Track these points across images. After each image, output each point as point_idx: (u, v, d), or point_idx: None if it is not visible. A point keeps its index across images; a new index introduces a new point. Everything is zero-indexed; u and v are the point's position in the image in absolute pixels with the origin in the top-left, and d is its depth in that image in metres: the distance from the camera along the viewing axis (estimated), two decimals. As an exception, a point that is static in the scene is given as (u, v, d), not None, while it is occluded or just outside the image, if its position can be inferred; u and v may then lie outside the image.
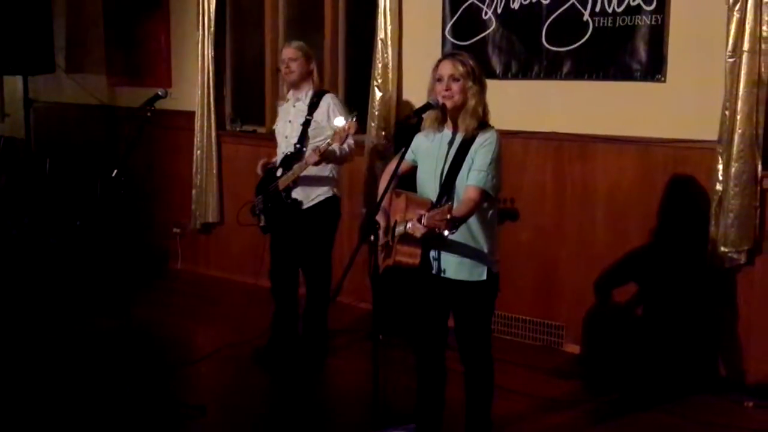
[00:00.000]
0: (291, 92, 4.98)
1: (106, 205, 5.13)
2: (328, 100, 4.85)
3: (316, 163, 4.63)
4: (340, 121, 4.63)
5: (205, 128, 6.78)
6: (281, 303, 5.11)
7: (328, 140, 4.60)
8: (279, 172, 4.87)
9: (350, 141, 4.68)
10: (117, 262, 6.46)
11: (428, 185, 3.49)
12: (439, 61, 3.49)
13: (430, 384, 3.74)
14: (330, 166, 4.83)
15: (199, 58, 6.67)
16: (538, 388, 4.70)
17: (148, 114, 4.38)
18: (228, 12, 6.85)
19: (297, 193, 4.84)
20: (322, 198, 4.88)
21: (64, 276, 6.76)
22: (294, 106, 4.92)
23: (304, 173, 4.73)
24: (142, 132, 4.36)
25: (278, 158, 4.97)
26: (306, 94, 4.90)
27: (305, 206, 4.85)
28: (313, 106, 4.84)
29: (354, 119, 4.50)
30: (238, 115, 7.02)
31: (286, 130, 4.92)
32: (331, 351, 5.23)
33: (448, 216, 3.03)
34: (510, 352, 5.08)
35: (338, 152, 4.67)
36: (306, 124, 4.81)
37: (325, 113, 4.82)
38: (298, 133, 4.82)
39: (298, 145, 4.80)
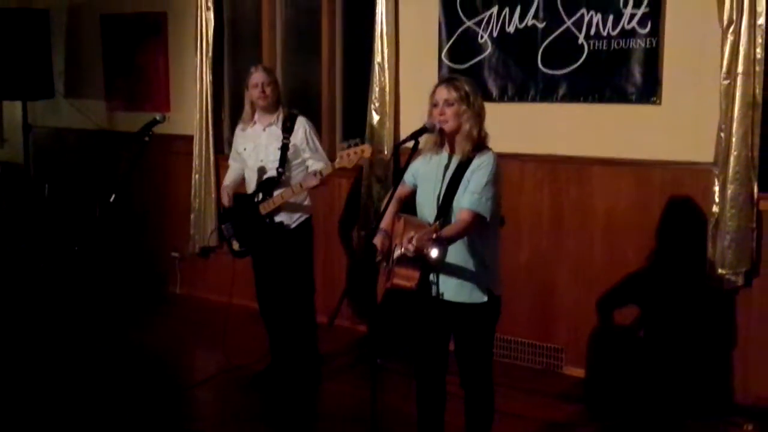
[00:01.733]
0: (257, 116, 4.96)
1: (105, 230, 5.13)
2: (303, 124, 4.88)
3: (315, 187, 4.65)
4: (307, 146, 4.77)
5: (204, 152, 6.79)
6: (272, 328, 5.10)
7: (321, 166, 4.63)
8: (259, 197, 4.85)
9: (327, 162, 4.70)
10: (115, 287, 6.47)
11: (427, 208, 3.50)
12: (436, 86, 3.51)
13: (430, 409, 3.72)
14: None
15: (198, 82, 6.70)
16: (538, 411, 4.69)
17: (147, 139, 4.39)
18: (226, 37, 6.88)
19: (282, 217, 4.85)
20: (303, 218, 4.93)
21: (63, 301, 6.75)
22: (265, 131, 4.91)
23: (293, 199, 4.78)
24: (141, 157, 4.36)
25: (247, 182, 4.98)
26: (278, 117, 4.90)
27: (292, 226, 4.89)
28: (288, 130, 4.84)
29: (367, 142, 4.45)
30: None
31: (259, 155, 4.90)
32: (329, 375, 5.23)
33: (434, 235, 3.03)
34: (508, 376, 5.07)
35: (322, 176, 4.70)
36: (284, 149, 4.81)
37: (302, 137, 4.84)
38: (278, 158, 4.81)
39: (280, 170, 4.80)
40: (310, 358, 5.15)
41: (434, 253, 3.07)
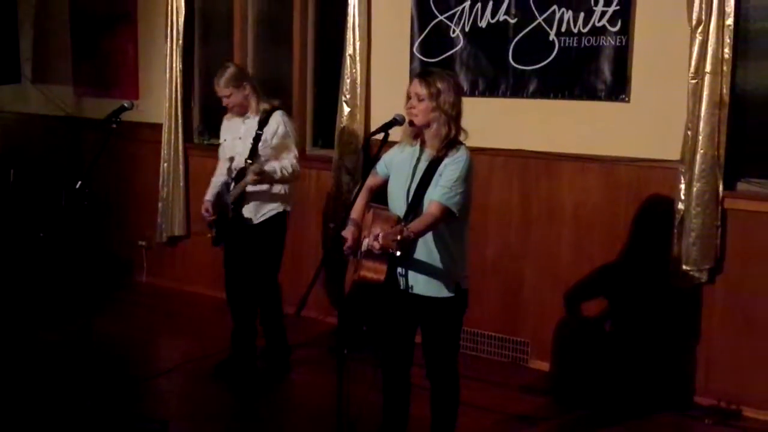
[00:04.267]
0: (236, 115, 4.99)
1: (70, 217, 5.06)
2: (278, 118, 4.86)
3: (254, 183, 4.67)
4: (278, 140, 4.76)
5: (172, 141, 6.74)
6: (237, 317, 5.10)
7: (265, 159, 4.65)
8: (232, 186, 4.87)
9: (293, 162, 4.75)
10: (81, 274, 6.39)
11: (397, 200, 3.51)
12: (413, 78, 3.52)
13: (395, 400, 3.75)
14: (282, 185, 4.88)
15: (167, 70, 6.64)
16: (504, 404, 4.73)
17: (114, 126, 4.35)
18: (197, 24, 6.84)
19: (248, 210, 4.86)
20: (272, 213, 4.92)
21: (28, 288, 6.68)
22: (244, 123, 4.92)
23: (255, 189, 4.78)
24: (107, 144, 4.33)
25: (223, 176, 4.99)
26: (257, 110, 4.89)
27: (255, 222, 4.88)
28: (262, 123, 4.84)
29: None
30: (206, 127, 7.00)
31: (236, 147, 4.91)
32: (296, 366, 5.23)
33: (399, 237, 3.05)
34: (475, 368, 5.11)
35: (278, 173, 4.70)
36: (256, 140, 4.81)
37: (274, 130, 4.83)
38: (249, 149, 4.82)
39: (248, 161, 4.79)
40: (279, 348, 5.14)
41: (398, 253, 3.10)
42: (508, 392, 4.94)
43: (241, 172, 4.80)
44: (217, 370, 5.11)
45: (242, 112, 4.90)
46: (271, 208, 4.91)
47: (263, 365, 5.14)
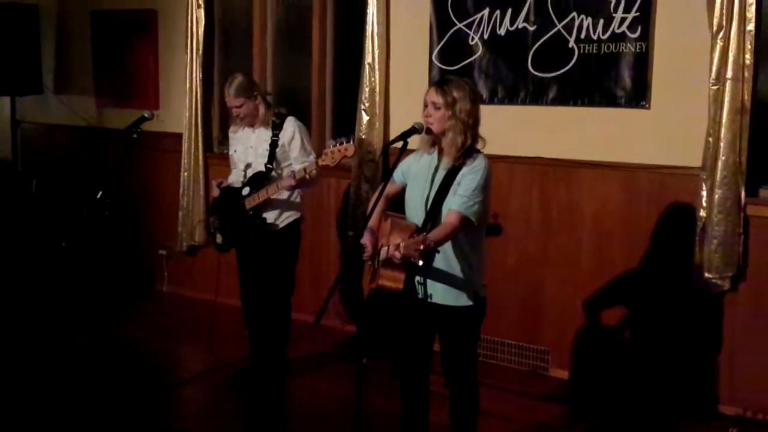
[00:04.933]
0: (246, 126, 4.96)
1: (92, 227, 5.11)
2: (293, 123, 4.86)
3: (290, 188, 4.66)
4: (295, 146, 4.73)
5: (193, 150, 6.77)
6: (255, 325, 5.10)
7: (305, 165, 4.58)
8: (245, 191, 4.84)
9: (315, 161, 4.66)
10: (103, 284, 6.45)
11: (415, 209, 3.50)
12: (430, 86, 3.52)
13: (414, 408, 3.73)
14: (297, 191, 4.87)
15: (187, 80, 6.68)
16: (524, 413, 4.70)
17: (135, 136, 4.38)
18: (216, 34, 6.87)
19: (270, 215, 4.85)
20: (291, 219, 4.93)
21: (50, 298, 6.72)
22: (254, 132, 4.90)
23: (276, 196, 4.77)
24: (128, 154, 4.35)
25: (234, 182, 4.98)
26: (267, 119, 4.88)
27: (280, 227, 4.88)
28: (276, 128, 4.83)
29: (352, 141, 4.47)
30: (226, 137, 7.01)
31: (248, 157, 4.90)
32: (315, 374, 5.23)
33: (422, 247, 3.03)
34: (495, 377, 5.09)
35: (307, 178, 4.67)
36: (273, 146, 4.81)
37: (290, 136, 4.82)
38: (267, 154, 4.81)
39: (269, 166, 4.79)
40: (276, 356, 5.11)
41: (421, 262, 3.09)
42: (529, 401, 4.91)
43: (258, 177, 4.80)
44: (236, 379, 5.10)
45: (252, 122, 4.89)
46: (291, 214, 4.92)
47: (264, 373, 5.13)
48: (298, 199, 4.94)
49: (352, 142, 4.39)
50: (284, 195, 4.83)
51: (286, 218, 4.91)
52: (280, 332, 5.09)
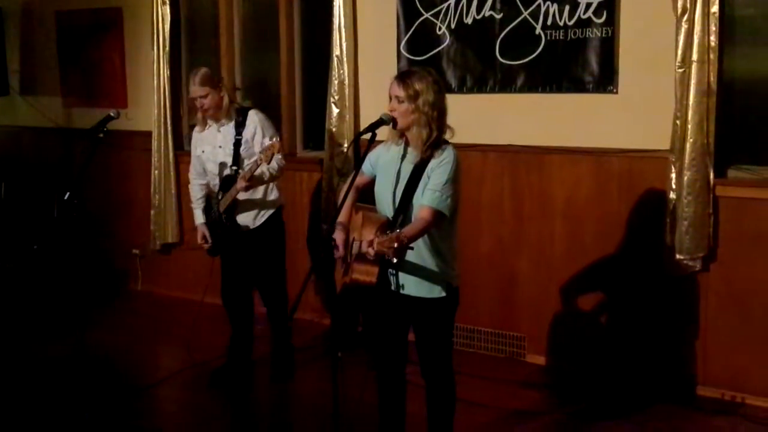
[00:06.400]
0: (210, 119, 4.90)
1: (63, 228, 5.06)
2: (254, 118, 4.83)
3: (245, 189, 4.63)
4: (265, 141, 4.65)
5: (162, 148, 6.72)
6: (236, 324, 5.08)
7: (255, 163, 4.56)
8: (220, 196, 4.85)
9: (278, 157, 4.66)
10: (75, 285, 6.39)
11: (385, 202, 3.49)
12: (393, 78, 3.49)
13: (391, 399, 3.74)
14: (271, 183, 4.85)
15: (155, 77, 6.63)
16: (501, 399, 4.72)
17: (101, 136, 4.34)
18: (183, 31, 6.82)
19: (242, 217, 4.85)
20: (268, 215, 4.91)
21: (22, 300, 6.66)
22: (219, 131, 4.87)
23: (246, 197, 4.76)
24: (95, 154, 4.31)
25: (212, 185, 4.97)
26: (231, 115, 4.85)
27: (252, 227, 4.88)
28: (239, 125, 4.81)
29: (277, 139, 4.45)
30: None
31: (217, 157, 4.87)
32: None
33: (395, 244, 3.02)
34: (471, 365, 5.10)
35: (267, 174, 4.67)
36: (237, 145, 4.79)
37: (252, 131, 4.80)
38: (232, 155, 4.79)
39: (234, 167, 4.77)
40: (285, 348, 5.13)
41: (395, 260, 3.09)
42: (506, 388, 4.93)
43: (228, 180, 4.78)
44: (213, 377, 5.09)
45: (216, 116, 4.84)
46: (266, 210, 4.91)
47: (271, 368, 5.14)
48: (273, 193, 4.92)
49: (276, 139, 4.49)
50: (259, 192, 4.81)
51: (263, 215, 4.90)
52: (281, 324, 5.08)
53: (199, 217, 5.02)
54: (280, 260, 5.01)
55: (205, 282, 5.28)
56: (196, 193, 5.05)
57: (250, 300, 5.07)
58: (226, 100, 4.84)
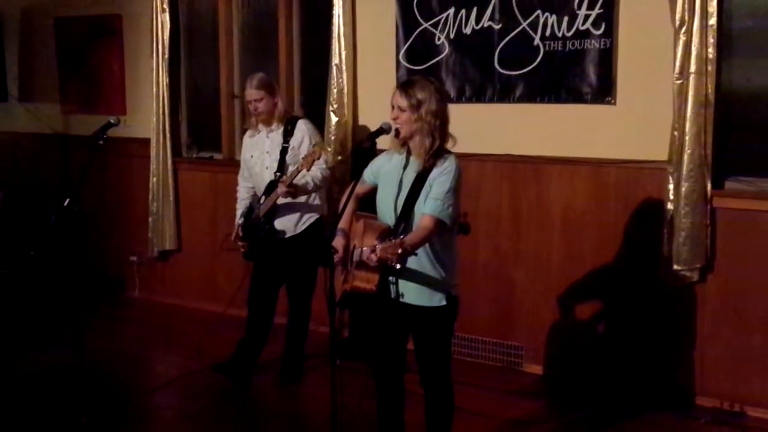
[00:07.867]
0: (261, 124, 4.98)
1: (61, 235, 5.07)
2: (302, 127, 4.90)
3: (285, 195, 4.66)
4: (307, 149, 4.75)
5: (161, 155, 6.73)
6: (254, 328, 5.08)
7: (297, 169, 4.59)
8: (262, 200, 4.91)
9: (323, 167, 4.76)
10: (73, 292, 6.38)
11: (387, 209, 3.50)
12: (395, 87, 3.51)
13: (390, 407, 3.74)
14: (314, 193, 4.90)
15: (154, 85, 6.64)
16: (499, 409, 4.72)
17: (101, 143, 4.35)
18: (182, 38, 6.83)
19: (281, 223, 4.88)
20: (308, 223, 4.94)
21: (19, 306, 6.65)
22: (268, 137, 4.94)
23: (289, 201, 4.79)
24: (95, 160, 4.32)
25: (257, 189, 5.03)
26: (278, 124, 4.92)
27: (289, 235, 4.90)
28: (287, 134, 4.87)
29: (320, 147, 4.50)
30: (195, 141, 6.99)
31: (265, 162, 4.93)
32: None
33: (399, 251, 3.04)
34: (469, 374, 5.11)
35: (311, 184, 4.72)
36: (283, 152, 4.85)
37: (300, 139, 4.86)
38: (278, 161, 4.84)
39: (278, 173, 4.82)
40: (297, 355, 5.16)
41: (398, 266, 3.11)
42: (503, 397, 4.94)
43: (272, 185, 4.82)
44: (217, 368, 5.11)
45: (268, 121, 4.91)
46: (308, 218, 4.94)
47: (284, 371, 5.17)
48: (316, 201, 4.98)
49: (318, 147, 4.65)
50: (301, 199, 4.86)
51: (305, 222, 4.94)
52: (302, 334, 5.13)
53: (238, 217, 5.07)
54: (313, 269, 5.01)
55: (201, 289, 5.28)
56: (241, 194, 5.15)
57: (274, 306, 5.08)
58: (280, 106, 4.91)
